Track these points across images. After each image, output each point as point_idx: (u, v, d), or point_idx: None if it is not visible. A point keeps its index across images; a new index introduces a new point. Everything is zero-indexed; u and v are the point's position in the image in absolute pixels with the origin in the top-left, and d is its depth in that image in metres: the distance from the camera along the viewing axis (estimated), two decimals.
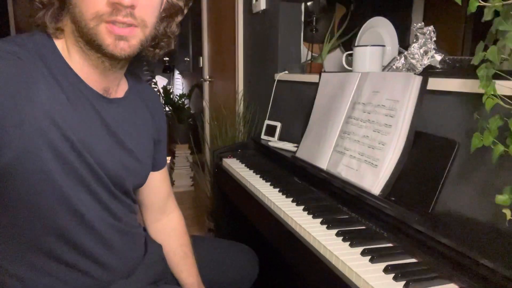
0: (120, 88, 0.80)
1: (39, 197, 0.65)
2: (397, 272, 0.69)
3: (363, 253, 0.78)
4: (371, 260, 0.75)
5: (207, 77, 2.97)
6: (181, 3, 0.78)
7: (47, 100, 0.63)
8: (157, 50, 0.80)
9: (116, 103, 0.77)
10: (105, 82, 0.74)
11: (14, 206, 0.66)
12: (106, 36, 0.64)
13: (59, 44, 0.69)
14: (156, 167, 0.93)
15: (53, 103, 0.64)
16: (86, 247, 0.73)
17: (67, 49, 0.69)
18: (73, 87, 0.68)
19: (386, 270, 0.71)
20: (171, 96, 4.06)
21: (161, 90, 4.12)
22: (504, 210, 0.64)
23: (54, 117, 0.64)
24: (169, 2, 0.76)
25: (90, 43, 0.66)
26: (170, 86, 4.66)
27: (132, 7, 0.63)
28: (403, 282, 0.67)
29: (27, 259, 0.70)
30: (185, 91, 4.39)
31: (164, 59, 4.63)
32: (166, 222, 0.99)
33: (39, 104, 0.62)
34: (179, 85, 4.77)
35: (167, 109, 3.97)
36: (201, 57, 3.15)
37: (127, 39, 0.66)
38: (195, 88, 4.06)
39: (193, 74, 4.13)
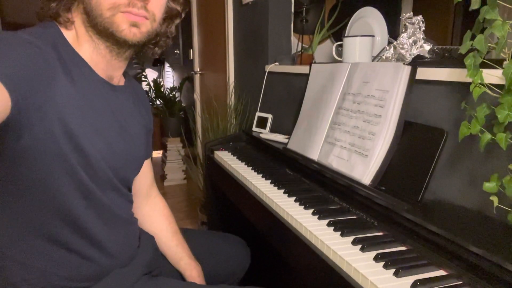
0: (120, 79, 0.85)
1: (53, 180, 0.67)
2: (387, 260, 0.70)
3: (354, 242, 0.78)
4: (362, 249, 0.76)
5: (198, 69, 2.95)
6: (179, 8, 0.83)
7: (64, 87, 0.66)
8: (156, 48, 0.86)
9: (119, 90, 0.82)
10: (110, 70, 0.78)
11: (26, 189, 0.67)
12: (121, 23, 0.69)
13: (69, 34, 0.72)
14: (147, 156, 0.97)
15: (68, 90, 0.67)
16: (91, 231, 0.75)
17: (77, 39, 0.73)
18: (84, 75, 0.72)
19: (377, 258, 0.72)
20: (162, 89, 4.02)
21: (151, 84, 4.08)
22: (491, 197, 0.65)
23: (70, 103, 0.67)
24: (168, 6, 0.81)
25: (103, 32, 0.71)
26: (161, 79, 4.62)
27: (146, 1, 0.70)
28: (393, 270, 0.68)
29: (28, 243, 0.70)
30: (176, 84, 4.36)
31: None
32: (153, 205, 1.04)
33: (58, 90, 0.65)
34: (170, 78, 4.73)
35: (158, 102, 3.94)
36: (191, 50, 3.13)
37: (139, 26, 0.71)
38: (186, 81, 4.02)
39: (184, 67, 4.10)
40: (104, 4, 0.68)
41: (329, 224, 0.87)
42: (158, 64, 4.68)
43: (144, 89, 4.31)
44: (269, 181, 1.18)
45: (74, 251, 0.73)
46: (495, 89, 0.67)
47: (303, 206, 0.97)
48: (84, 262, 0.75)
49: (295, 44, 1.86)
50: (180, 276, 1.03)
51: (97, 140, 0.72)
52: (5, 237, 0.70)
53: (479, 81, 0.68)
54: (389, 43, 1.29)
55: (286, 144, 1.34)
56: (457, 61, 0.82)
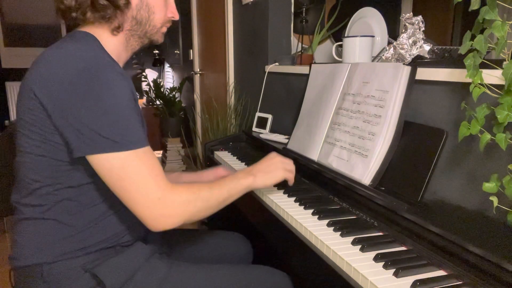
0: None
1: None
2: (387, 260, 0.70)
3: (354, 243, 0.78)
4: (362, 249, 0.76)
5: (198, 69, 2.95)
6: None
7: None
8: None
9: None
10: (125, 60, 0.93)
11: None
12: (161, 33, 0.93)
13: (98, 35, 0.84)
14: None
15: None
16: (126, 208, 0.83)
17: (105, 39, 0.85)
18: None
19: (376, 258, 0.72)
20: (162, 90, 4.02)
21: (151, 84, 4.08)
22: (491, 198, 0.65)
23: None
24: None
25: (147, 36, 0.90)
26: (161, 80, 4.62)
27: None
28: (392, 270, 0.68)
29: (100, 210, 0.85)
30: (176, 84, 4.35)
31: (154, 52, 4.58)
32: None
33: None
34: (170, 78, 4.73)
35: (158, 102, 3.94)
36: (191, 50, 3.13)
37: None
38: (186, 81, 4.03)
39: (184, 67, 4.09)
40: (160, 20, 0.90)
41: (329, 224, 0.87)
42: (158, 64, 4.68)
43: (144, 89, 4.32)
44: None
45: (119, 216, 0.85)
46: (495, 89, 0.67)
47: (303, 207, 0.97)
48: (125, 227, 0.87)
49: (295, 44, 1.86)
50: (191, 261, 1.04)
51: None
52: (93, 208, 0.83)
53: (479, 82, 0.68)
54: (389, 43, 1.29)
55: (286, 144, 1.34)
56: (457, 62, 0.82)
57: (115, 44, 0.86)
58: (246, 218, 1.25)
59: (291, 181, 1.00)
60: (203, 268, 0.94)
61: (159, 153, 3.94)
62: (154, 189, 0.76)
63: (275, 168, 0.96)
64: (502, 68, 0.65)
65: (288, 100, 1.60)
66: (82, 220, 0.82)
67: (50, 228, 0.81)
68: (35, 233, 0.81)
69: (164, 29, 0.94)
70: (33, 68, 0.77)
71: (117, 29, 0.85)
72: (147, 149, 0.77)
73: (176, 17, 0.94)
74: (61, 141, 0.76)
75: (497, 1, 0.64)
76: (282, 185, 1.12)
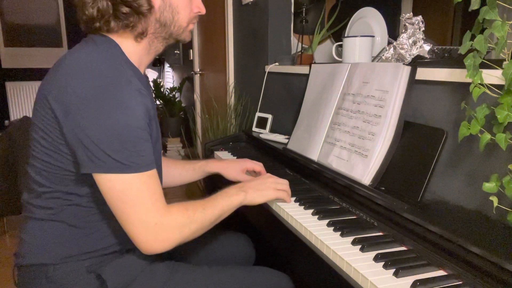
0: None
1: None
2: (387, 260, 0.70)
3: (354, 243, 0.78)
4: (362, 249, 0.76)
5: (198, 69, 2.95)
6: None
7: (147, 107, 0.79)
8: None
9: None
10: (147, 63, 0.91)
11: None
12: (188, 32, 0.90)
13: (121, 42, 0.82)
14: None
15: (147, 108, 0.79)
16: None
17: (127, 45, 0.83)
18: (140, 82, 0.81)
19: (376, 258, 0.72)
20: (162, 90, 4.02)
21: (151, 84, 4.08)
22: (491, 198, 0.65)
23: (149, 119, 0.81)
24: None
25: (173, 37, 0.87)
26: (161, 80, 4.62)
27: None
28: (392, 270, 0.68)
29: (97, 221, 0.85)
30: (176, 84, 4.35)
31: None
32: None
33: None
34: (170, 78, 4.73)
35: (158, 102, 3.94)
36: (191, 50, 3.13)
37: None
38: (186, 81, 4.03)
39: (184, 67, 4.09)
40: (184, 18, 0.86)
41: (329, 224, 0.87)
42: (158, 64, 4.67)
43: None
44: None
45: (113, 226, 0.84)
46: (495, 89, 0.67)
47: (303, 207, 0.97)
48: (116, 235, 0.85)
49: (295, 44, 1.86)
50: (193, 262, 1.05)
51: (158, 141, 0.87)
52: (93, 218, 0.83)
53: (479, 82, 0.68)
54: (389, 43, 1.29)
55: (286, 144, 1.34)
56: (457, 62, 0.82)
57: (136, 49, 0.84)
58: (247, 218, 1.25)
59: (286, 199, 0.99)
60: (205, 270, 0.94)
61: None
62: (152, 214, 0.75)
63: (267, 188, 0.96)
64: (502, 68, 0.64)
65: (288, 100, 1.60)
66: (91, 224, 0.82)
67: (58, 230, 0.81)
68: (43, 233, 0.81)
69: (191, 26, 0.89)
70: (51, 73, 0.76)
71: (141, 36, 0.82)
72: (152, 172, 0.76)
73: (203, 11, 0.90)
74: (70, 152, 0.75)
75: (497, 1, 0.64)
76: None
